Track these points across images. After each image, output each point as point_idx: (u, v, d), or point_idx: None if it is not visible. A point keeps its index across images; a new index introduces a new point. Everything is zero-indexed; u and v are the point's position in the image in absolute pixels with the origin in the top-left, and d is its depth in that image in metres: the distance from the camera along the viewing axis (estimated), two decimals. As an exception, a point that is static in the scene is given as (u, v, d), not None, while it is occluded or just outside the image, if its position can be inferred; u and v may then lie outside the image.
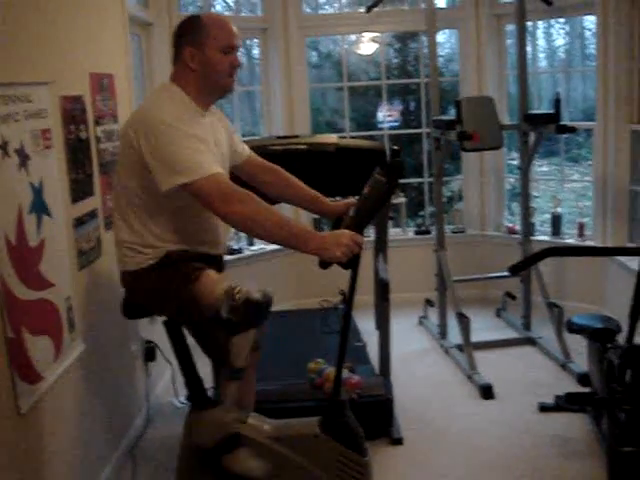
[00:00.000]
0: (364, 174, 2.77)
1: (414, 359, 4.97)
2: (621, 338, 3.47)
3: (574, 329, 3.85)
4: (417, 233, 6.32)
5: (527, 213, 5.33)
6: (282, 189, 3.05)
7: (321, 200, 3.02)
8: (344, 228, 2.63)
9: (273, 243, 2.80)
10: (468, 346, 4.67)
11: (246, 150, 3.07)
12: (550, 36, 11.04)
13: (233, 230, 5.65)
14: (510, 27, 5.88)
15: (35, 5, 2.81)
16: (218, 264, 2.90)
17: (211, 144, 2.66)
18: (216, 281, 2.62)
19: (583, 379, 4.19)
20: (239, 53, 2.76)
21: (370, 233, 5.17)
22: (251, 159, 3.07)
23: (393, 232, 6.06)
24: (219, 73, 2.68)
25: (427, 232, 6.24)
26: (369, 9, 5.63)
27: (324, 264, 2.55)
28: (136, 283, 2.76)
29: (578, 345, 4.40)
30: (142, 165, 2.56)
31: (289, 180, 3.04)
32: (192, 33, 2.67)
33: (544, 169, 10.38)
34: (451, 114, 5.00)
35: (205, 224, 2.78)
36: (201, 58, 2.65)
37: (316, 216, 5.91)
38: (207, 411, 2.80)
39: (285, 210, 5.84)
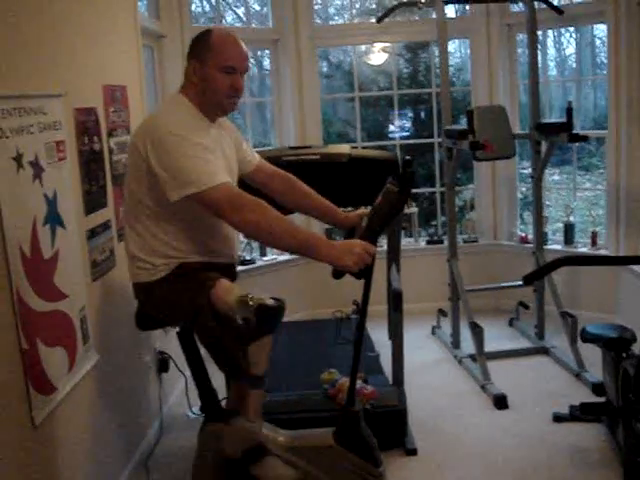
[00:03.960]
0: (376, 184, 2.77)
1: (427, 369, 4.96)
2: (636, 348, 3.45)
3: (588, 338, 3.83)
4: (429, 243, 6.30)
5: (540, 222, 5.31)
6: (294, 197, 3.03)
7: (334, 210, 3.01)
8: (357, 238, 2.63)
9: (285, 251, 2.82)
10: (481, 356, 4.65)
11: (256, 157, 3.06)
12: (560, 45, 11.04)
13: (245, 240, 5.69)
14: (521, 36, 5.88)
15: (49, 18, 2.83)
16: (231, 273, 2.90)
17: (219, 153, 2.67)
18: (230, 289, 2.62)
19: (597, 389, 4.17)
20: (243, 76, 2.74)
21: (383, 243, 5.16)
22: (261, 167, 3.06)
23: (405, 242, 6.05)
24: (216, 91, 2.67)
25: (439, 242, 6.22)
26: (380, 19, 5.65)
27: (337, 274, 2.54)
28: (149, 294, 2.77)
29: (592, 355, 4.37)
30: (151, 175, 2.56)
31: (302, 188, 3.03)
32: (199, 47, 2.69)
33: (556, 178, 10.36)
34: (462, 123, 5.00)
35: (216, 233, 2.78)
36: (201, 73, 2.66)
37: (328, 226, 5.93)
38: (233, 421, 2.79)
39: (297, 220, 5.87)
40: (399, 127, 7.80)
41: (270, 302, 2.54)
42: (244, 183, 2.94)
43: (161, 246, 2.69)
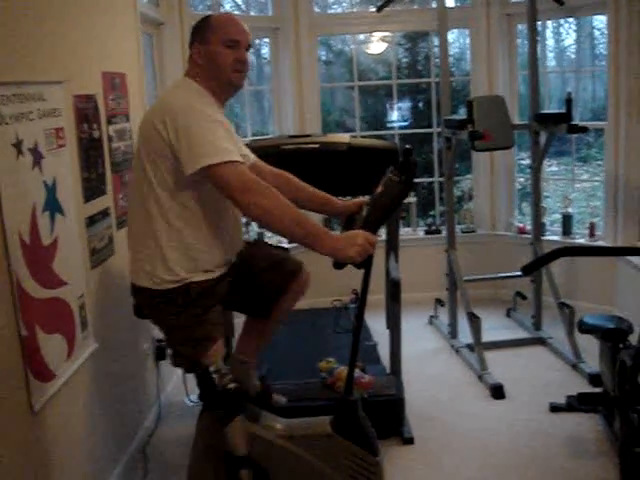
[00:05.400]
0: (376, 173, 2.77)
1: (425, 359, 4.97)
2: (633, 338, 3.46)
3: (585, 329, 3.84)
4: (427, 233, 6.31)
5: (538, 213, 5.31)
6: (290, 193, 3.01)
7: (331, 201, 3.01)
8: (358, 228, 2.62)
9: (288, 239, 2.80)
10: (479, 346, 4.66)
11: (251, 156, 3.05)
12: (559, 36, 11.00)
13: (244, 229, 5.68)
14: (520, 27, 5.87)
15: (48, 5, 2.82)
16: (236, 264, 2.91)
17: (231, 134, 2.66)
18: (217, 354, 2.68)
19: (594, 379, 4.18)
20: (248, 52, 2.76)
21: (381, 233, 5.15)
22: (257, 165, 3.03)
23: (404, 232, 6.05)
24: (221, 66, 2.67)
25: (438, 232, 6.23)
26: (380, 9, 5.63)
27: (338, 264, 2.54)
28: (149, 302, 2.75)
29: (589, 345, 4.39)
30: (173, 156, 2.52)
31: (298, 184, 3.03)
32: (201, 30, 2.72)
33: (554, 169, 10.35)
34: (461, 114, 4.99)
35: (230, 225, 2.77)
36: (206, 52, 2.68)
37: (326, 216, 5.92)
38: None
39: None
40: (398, 117, 7.78)
41: (231, 387, 2.63)
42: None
43: (180, 239, 2.64)
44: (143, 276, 2.69)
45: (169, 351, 2.91)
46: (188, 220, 2.64)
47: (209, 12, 6.21)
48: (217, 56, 2.66)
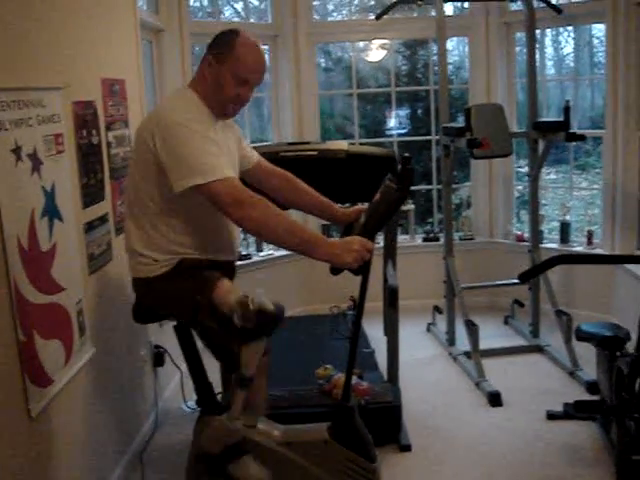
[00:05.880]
0: (374, 181, 2.78)
1: (422, 366, 4.97)
2: (630, 346, 3.46)
3: (583, 337, 3.84)
4: (425, 240, 6.32)
5: (536, 221, 5.32)
6: (292, 195, 3.05)
7: (331, 206, 3.02)
8: (355, 235, 2.63)
9: (284, 248, 2.81)
10: (476, 353, 4.67)
11: (255, 155, 3.07)
12: (558, 44, 11.03)
13: (242, 236, 5.69)
14: (519, 35, 5.89)
15: (48, 11, 2.83)
16: (231, 271, 2.91)
17: (225, 149, 2.67)
18: (231, 290, 2.62)
19: (592, 387, 4.19)
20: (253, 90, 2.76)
21: (379, 240, 5.17)
22: (260, 164, 3.07)
23: (402, 239, 6.05)
24: (223, 95, 2.68)
25: (436, 239, 6.24)
26: (379, 16, 5.65)
27: (335, 270, 2.56)
28: (149, 288, 2.77)
29: (586, 353, 4.39)
30: (158, 167, 2.56)
31: (299, 186, 3.04)
32: (222, 45, 2.68)
33: (552, 177, 10.37)
34: (460, 121, 5.00)
35: (219, 230, 2.78)
36: (216, 72, 2.66)
37: (325, 222, 5.93)
38: (214, 418, 2.80)
39: (294, 217, 5.86)
40: (397, 124, 7.79)
41: (270, 307, 2.54)
42: (242, 180, 2.94)
43: (165, 242, 2.69)
44: (139, 268, 2.75)
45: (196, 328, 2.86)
46: (173, 226, 2.68)
47: (209, 20, 6.26)
48: (224, 84, 2.66)
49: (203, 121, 2.64)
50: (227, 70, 2.64)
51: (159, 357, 4.13)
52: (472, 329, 4.70)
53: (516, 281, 4.05)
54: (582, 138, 4.75)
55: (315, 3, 6.63)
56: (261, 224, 2.49)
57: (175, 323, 2.90)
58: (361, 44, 6.89)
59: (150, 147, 2.56)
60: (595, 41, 9.82)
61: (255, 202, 2.49)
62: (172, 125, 2.54)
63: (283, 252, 5.78)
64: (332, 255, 2.49)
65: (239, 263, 5.27)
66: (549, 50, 10.39)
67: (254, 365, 2.68)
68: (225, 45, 2.66)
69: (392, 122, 7.77)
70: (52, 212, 2.71)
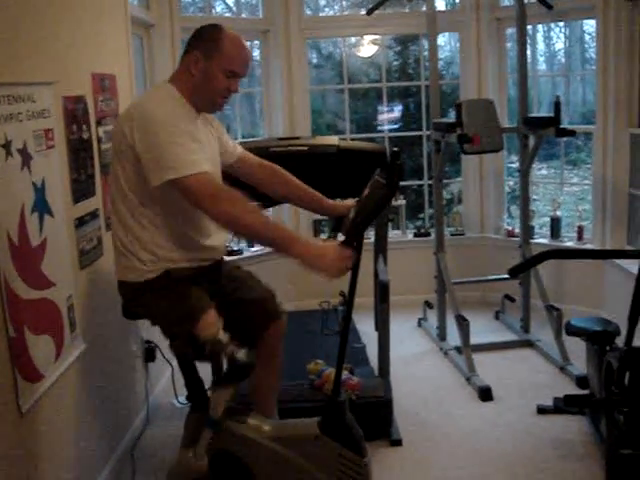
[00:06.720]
0: (365, 176, 2.78)
1: (413, 361, 4.98)
2: (620, 341, 3.48)
3: (573, 332, 3.86)
4: (416, 235, 6.33)
5: (526, 216, 5.34)
6: (281, 188, 3.05)
7: (320, 198, 3.03)
8: (344, 232, 2.65)
9: (258, 243, 2.83)
10: (467, 348, 4.68)
11: (238, 149, 3.07)
12: (550, 39, 11.05)
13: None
14: (510, 30, 5.89)
15: (38, 6, 2.82)
16: (217, 274, 2.92)
17: (204, 144, 2.68)
18: (212, 325, 2.66)
19: (581, 382, 4.21)
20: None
21: (370, 235, 5.17)
22: (244, 158, 3.06)
23: (393, 234, 6.06)
24: (213, 90, 2.68)
25: (427, 234, 6.24)
26: (370, 11, 5.64)
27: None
28: (134, 296, 2.77)
29: (576, 348, 4.40)
30: (136, 160, 2.56)
31: (288, 178, 3.04)
32: (207, 41, 2.67)
33: (543, 172, 10.39)
34: (451, 117, 5.00)
35: (203, 227, 2.77)
36: (204, 68, 2.66)
37: (316, 217, 5.94)
38: (182, 451, 2.83)
39: (285, 210, 5.87)
40: (388, 119, 7.79)
41: (241, 358, 2.60)
42: (230, 176, 2.94)
43: (147, 236, 2.68)
44: (125, 271, 2.75)
45: (167, 341, 2.87)
46: (153, 220, 2.68)
47: (200, 14, 6.25)
48: (213, 79, 2.66)
49: (183, 116, 2.64)
50: (216, 65, 2.64)
51: (150, 352, 4.13)
52: (463, 324, 4.72)
53: (507, 276, 4.07)
54: (572, 133, 4.75)
55: (306, -2, 6.63)
56: (236, 219, 2.49)
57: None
58: (352, 39, 6.89)
59: (128, 140, 2.55)
60: (587, 37, 9.84)
61: (230, 197, 2.48)
62: (150, 120, 2.54)
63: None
64: (304, 258, 2.50)
65: (230, 259, 5.31)
66: (541, 46, 10.41)
67: (222, 408, 2.74)
68: (211, 40, 2.66)
69: (384, 118, 7.76)
70: (42, 207, 2.71)
